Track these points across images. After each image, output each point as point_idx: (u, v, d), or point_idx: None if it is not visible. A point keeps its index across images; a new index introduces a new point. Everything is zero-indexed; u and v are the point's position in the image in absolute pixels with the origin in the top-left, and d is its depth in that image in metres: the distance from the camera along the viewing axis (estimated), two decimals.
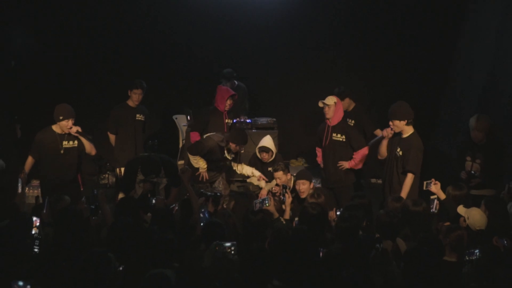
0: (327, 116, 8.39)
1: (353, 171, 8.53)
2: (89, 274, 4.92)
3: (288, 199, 7.41)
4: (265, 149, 8.69)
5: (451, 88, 10.21)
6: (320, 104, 8.44)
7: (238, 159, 8.88)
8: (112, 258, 5.07)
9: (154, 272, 4.69)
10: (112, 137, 9.41)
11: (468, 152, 7.78)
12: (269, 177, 8.64)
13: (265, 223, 6.39)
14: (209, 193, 7.36)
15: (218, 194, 7.41)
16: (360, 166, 8.50)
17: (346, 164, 8.41)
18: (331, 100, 8.36)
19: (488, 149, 7.68)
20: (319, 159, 8.80)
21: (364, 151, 8.38)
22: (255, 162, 8.90)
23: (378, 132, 9.04)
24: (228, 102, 8.98)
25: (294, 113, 11.65)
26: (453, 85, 10.18)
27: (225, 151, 8.57)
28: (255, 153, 8.88)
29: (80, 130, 8.11)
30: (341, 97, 9.07)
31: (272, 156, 8.70)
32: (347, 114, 9.06)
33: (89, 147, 8.23)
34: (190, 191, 7.35)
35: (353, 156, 8.41)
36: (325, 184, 8.64)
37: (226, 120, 9.06)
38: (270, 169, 8.59)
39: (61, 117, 8.00)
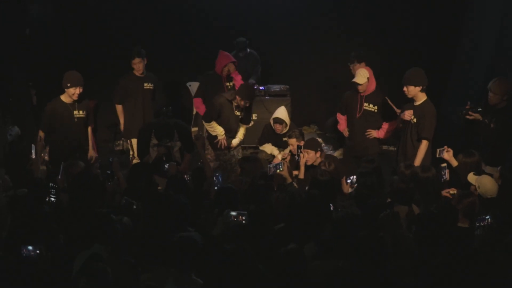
0: (361, 90, 8.26)
1: (378, 140, 8.49)
2: (93, 234, 5.06)
3: (303, 159, 7.51)
4: (278, 121, 8.66)
5: (460, 56, 10.13)
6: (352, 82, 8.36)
7: (246, 119, 8.78)
8: (115, 219, 5.17)
9: (182, 235, 4.77)
10: (118, 108, 9.25)
11: (485, 115, 7.63)
12: (283, 147, 8.70)
13: (271, 188, 6.48)
14: None
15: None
16: (387, 136, 8.45)
17: (374, 133, 8.36)
18: (362, 78, 8.19)
19: (504, 114, 7.52)
20: (342, 126, 8.73)
21: (395, 123, 8.29)
22: (268, 132, 8.91)
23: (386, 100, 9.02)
24: (226, 68, 8.97)
25: (306, 80, 11.65)
26: (462, 53, 10.10)
27: (234, 108, 8.51)
28: (269, 123, 8.89)
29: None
30: (360, 60, 8.97)
31: (285, 127, 8.69)
32: None
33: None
34: (204, 158, 7.41)
35: (383, 126, 8.35)
36: (350, 153, 8.58)
37: (227, 83, 9.04)
38: (285, 139, 8.62)
39: (68, 84, 7.98)
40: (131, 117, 9.21)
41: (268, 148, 8.82)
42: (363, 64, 8.92)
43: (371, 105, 8.29)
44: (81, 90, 8.03)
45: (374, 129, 8.36)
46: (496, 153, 7.40)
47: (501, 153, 7.49)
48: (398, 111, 8.03)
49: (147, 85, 9.23)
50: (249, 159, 7.56)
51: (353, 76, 8.41)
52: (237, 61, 9.21)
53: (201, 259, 4.78)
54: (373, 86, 8.28)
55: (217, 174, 6.71)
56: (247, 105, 8.40)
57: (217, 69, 8.99)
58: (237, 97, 8.32)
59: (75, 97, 8.03)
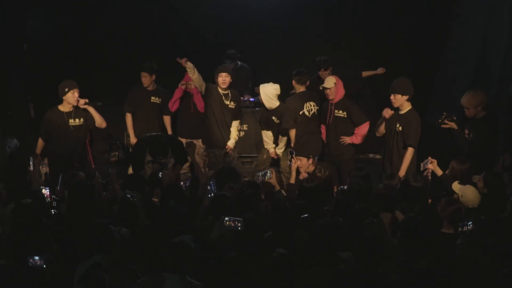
0: (330, 98, 8.61)
1: (353, 145, 8.75)
2: (91, 244, 5.14)
3: (294, 164, 7.72)
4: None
5: (444, 66, 10.28)
6: (321, 88, 8.70)
7: (238, 112, 9.17)
8: (113, 229, 5.26)
9: (174, 241, 4.85)
10: (127, 116, 9.41)
11: (467, 126, 7.74)
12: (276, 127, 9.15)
13: (257, 196, 6.63)
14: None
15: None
16: (360, 141, 8.71)
17: (347, 139, 8.64)
18: (330, 82, 8.55)
19: (483, 124, 7.64)
20: (323, 135, 9.00)
21: (365, 126, 8.60)
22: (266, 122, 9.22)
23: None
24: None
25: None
26: (446, 62, 10.25)
27: (224, 98, 8.90)
28: (264, 117, 9.20)
29: (87, 101, 8.21)
30: (326, 66, 9.42)
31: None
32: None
33: (99, 120, 8.32)
34: (197, 165, 7.54)
35: (354, 132, 8.63)
36: (327, 159, 8.82)
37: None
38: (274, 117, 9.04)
39: (66, 89, 8.08)
40: (136, 128, 9.37)
41: (270, 139, 9.19)
42: (330, 69, 9.49)
43: (340, 111, 8.60)
44: (78, 92, 8.14)
45: (347, 135, 8.64)
46: (479, 162, 7.43)
47: (484, 162, 7.54)
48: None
49: (153, 99, 9.38)
50: (224, 170, 7.61)
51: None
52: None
53: (195, 262, 4.85)
54: (341, 93, 8.60)
55: (211, 182, 6.87)
56: (228, 78, 8.78)
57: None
58: (215, 78, 8.76)
59: (75, 101, 8.11)
